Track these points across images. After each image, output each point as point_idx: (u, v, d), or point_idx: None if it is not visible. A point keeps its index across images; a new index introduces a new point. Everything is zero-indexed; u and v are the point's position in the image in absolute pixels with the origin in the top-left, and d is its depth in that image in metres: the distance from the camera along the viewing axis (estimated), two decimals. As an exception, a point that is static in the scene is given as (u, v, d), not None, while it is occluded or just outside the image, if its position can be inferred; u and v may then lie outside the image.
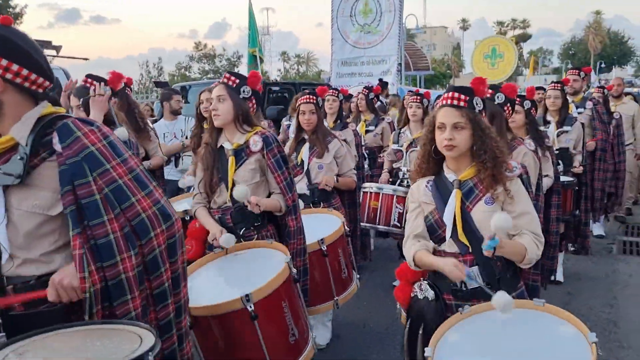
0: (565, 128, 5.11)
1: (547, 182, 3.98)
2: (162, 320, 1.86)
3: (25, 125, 1.76)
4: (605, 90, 6.87)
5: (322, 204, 4.07)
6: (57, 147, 1.74)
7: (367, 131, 6.39)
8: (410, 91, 7.18)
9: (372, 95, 6.70)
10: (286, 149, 4.22)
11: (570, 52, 68.26)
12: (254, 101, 3.12)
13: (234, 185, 2.98)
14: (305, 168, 4.16)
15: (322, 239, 3.38)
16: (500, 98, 3.34)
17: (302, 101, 4.20)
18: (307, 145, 4.20)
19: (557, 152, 4.89)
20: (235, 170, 3.02)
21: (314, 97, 4.17)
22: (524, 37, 76.43)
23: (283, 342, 2.57)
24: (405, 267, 2.48)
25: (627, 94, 8.06)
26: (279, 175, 3.03)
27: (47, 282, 1.75)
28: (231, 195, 2.99)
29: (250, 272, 2.77)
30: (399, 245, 5.04)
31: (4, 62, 1.72)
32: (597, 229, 6.94)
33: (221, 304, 2.43)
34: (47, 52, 8.14)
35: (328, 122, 5.23)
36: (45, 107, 1.81)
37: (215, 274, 2.82)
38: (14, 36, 1.75)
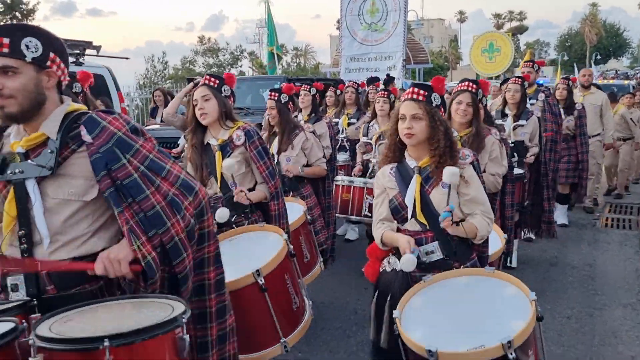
0: (521, 122, 5.31)
1: (502, 170, 4.23)
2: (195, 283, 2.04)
3: (54, 122, 1.87)
4: (570, 82, 7.08)
5: (291, 192, 4.30)
6: (87, 138, 1.84)
7: (349, 124, 6.65)
8: (375, 86, 7.57)
9: (360, 90, 7.12)
10: None
11: (567, 44, 68.76)
12: (232, 99, 3.35)
13: (222, 177, 3.24)
14: (276, 160, 4.35)
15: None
16: (480, 93, 3.82)
17: (267, 97, 4.45)
18: (277, 139, 4.42)
19: (513, 144, 5.12)
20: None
21: (277, 94, 4.38)
22: (521, 29, 76.88)
23: (288, 309, 2.88)
24: (375, 247, 2.70)
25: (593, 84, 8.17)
26: (261, 165, 3.23)
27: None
28: (221, 187, 3.25)
29: (253, 251, 2.99)
30: (367, 233, 5.31)
31: (58, 60, 1.87)
32: (560, 217, 7.13)
33: (236, 281, 2.64)
34: (88, 51, 8.91)
35: (303, 116, 5.50)
36: (69, 105, 1.93)
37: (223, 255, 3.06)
38: (60, 38, 1.92)
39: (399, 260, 2.53)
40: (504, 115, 5.43)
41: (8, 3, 29.03)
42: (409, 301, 2.36)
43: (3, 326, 1.60)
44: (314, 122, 5.34)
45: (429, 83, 2.69)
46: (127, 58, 9.98)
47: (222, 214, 3.10)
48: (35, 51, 1.79)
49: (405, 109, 2.58)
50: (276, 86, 9.77)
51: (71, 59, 8.51)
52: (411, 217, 2.57)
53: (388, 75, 10.34)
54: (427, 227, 2.55)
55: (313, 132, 4.67)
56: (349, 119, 6.74)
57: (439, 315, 2.29)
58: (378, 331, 2.56)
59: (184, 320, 1.62)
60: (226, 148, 3.24)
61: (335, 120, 6.72)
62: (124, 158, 1.84)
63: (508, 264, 5.10)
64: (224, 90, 3.28)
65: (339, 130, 6.55)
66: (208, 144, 3.28)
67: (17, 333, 1.59)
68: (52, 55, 1.84)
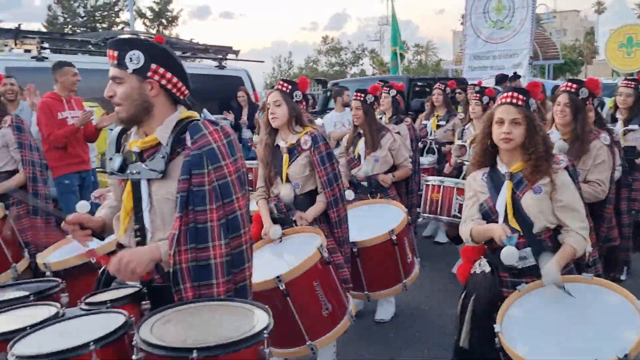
0: (632, 126, 4.93)
1: (616, 175, 4.01)
2: None
3: (167, 128, 2.01)
4: None
5: (378, 194, 4.40)
6: (188, 142, 1.97)
7: (438, 126, 6.51)
8: (472, 84, 7.29)
9: (448, 90, 6.87)
10: (344, 142, 4.66)
11: None
12: (304, 103, 3.51)
13: (288, 178, 3.42)
14: (362, 161, 4.46)
15: (392, 230, 3.71)
16: (584, 93, 3.62)
17: (353, 98, 4.53)
18: (362, 140, 4.47)
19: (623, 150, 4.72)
20: (289, 165, 3.42)
21: (362, 94, 4.43)
22: (671, 20, 69.46)
23: (316, 314, 2.99)
24: (469, 248, 2.70)
25: None
26: (321, 171, 3.38)
27: None
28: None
29: (290, 255, 3.17)
30: (447, 234, 5.21)
31: (161, 70, 1.99)
32: None
33: (258, 283, 2.79)
34: (230, 55, 9.83)
35: (384, 118, 5.53)
36: (182, 112, 2.06)
37: (265, 256, 3.26)
38: (168, 50, 2.07)
39: (488, 264, 2.55)
40: (614, 120, 5.08)
41: (156, 11, 32.18)
42: (507, 312, 2.31)
43: (115, 319, 1.84)
44: (394, 123, 5.32)
45: (525, 87, 2.69)
46: (262, 61, 10.89)
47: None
48: (137, 63, 1.95)
49: (503, 113, 2.57)
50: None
51: (215, 63, 9.52)
52: (503, 222, 2.56)
53: (515, 73, 10.23)
54: (520, 233, 2.53)
55: (398, 133, 4.73)
56: (438, 121, 6.57)
57: (542, 326, 2.22)
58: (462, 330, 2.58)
59: (266, 335, 1.71)
60: (293, 151, 3.42)
61: (425, 122, 6.68)
62: (206, 168, 1.93)
63: (617, 276, 4.70)
64: (296, 96, 3.43)
65: (427, 133, 6.51)
66: (278, 145, 3.49)
67: (127, 328, 1.79)
68: (153, 66, 1.97)
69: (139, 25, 28.51)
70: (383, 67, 37.41)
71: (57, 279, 2.42)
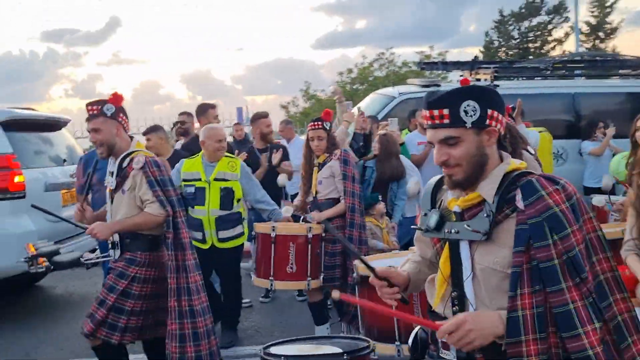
0: None
1: None
2: None
3: (493, 182, 1.75)
4: None
5: None
6: (520, 204, 1.68)
7: None
8: None
9: None
10: None
11: None
12: None
13: None
14: None
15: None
16: None
17: None
18: None
19: None
20: None
21: None
22: None
23: None
24: None
25: None
26: None
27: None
28: None
29: None
30: None
31: (496, 114, 1.74)
32: None
33: None
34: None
35: None
36: (509, 164, 1.78)
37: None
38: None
39: None
40: None
41: (593, 25, 30.69)
42: None
43: None
44: None
45: None
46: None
47: None
48: (474, 114, 1.71)
49: None
50: None
51: (667, 79, 8.63)
52: None
53: None
54: None
55: None
56: None
57: None
58: None
59: None
60: None
61: None
62: (550, 238, 1.63)
63: None
64: None
65: None
66: None
67: None
68: (489, 112, 1.72)
69: (572, 42, 27.59)
70: None
71: (369, 339, 2.47)
